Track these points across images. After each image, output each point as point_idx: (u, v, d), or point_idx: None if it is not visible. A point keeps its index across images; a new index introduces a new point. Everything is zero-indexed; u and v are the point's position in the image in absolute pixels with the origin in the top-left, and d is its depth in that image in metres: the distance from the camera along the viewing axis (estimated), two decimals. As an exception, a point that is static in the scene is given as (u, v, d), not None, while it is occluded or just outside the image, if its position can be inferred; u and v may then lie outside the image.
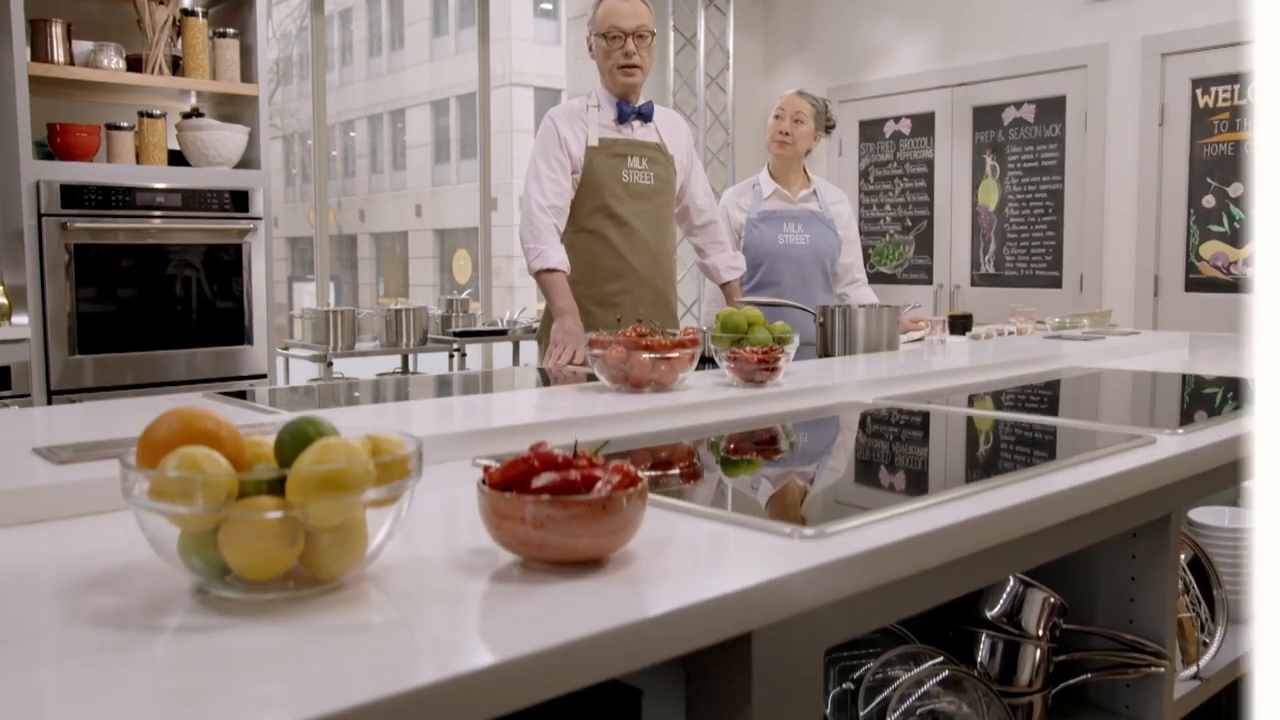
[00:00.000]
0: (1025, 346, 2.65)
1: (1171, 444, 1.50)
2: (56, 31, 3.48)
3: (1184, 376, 2.27)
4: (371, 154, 20.35)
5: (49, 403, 3.43)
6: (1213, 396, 2.02)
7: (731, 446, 1.52)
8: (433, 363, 5.06)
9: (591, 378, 2.11)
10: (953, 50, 5.23)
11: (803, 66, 5.94)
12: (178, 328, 3.67)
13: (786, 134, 3.22)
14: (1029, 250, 4.99)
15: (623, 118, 2.86)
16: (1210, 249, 4.38)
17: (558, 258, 2.71)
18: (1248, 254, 4.27)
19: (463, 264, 18.43)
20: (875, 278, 5.62)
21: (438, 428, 1.42)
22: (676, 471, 1.36)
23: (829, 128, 3.32)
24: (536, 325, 4.17)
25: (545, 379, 2.40)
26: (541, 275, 2.71)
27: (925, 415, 1.74)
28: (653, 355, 1.75)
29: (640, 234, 2.86)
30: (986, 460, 1.46)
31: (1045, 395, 2.02)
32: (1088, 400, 1.99)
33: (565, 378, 2.25)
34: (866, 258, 5.68)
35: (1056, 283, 4.90)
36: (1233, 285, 4.31)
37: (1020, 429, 1.62)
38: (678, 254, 3.17)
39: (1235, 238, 4.30)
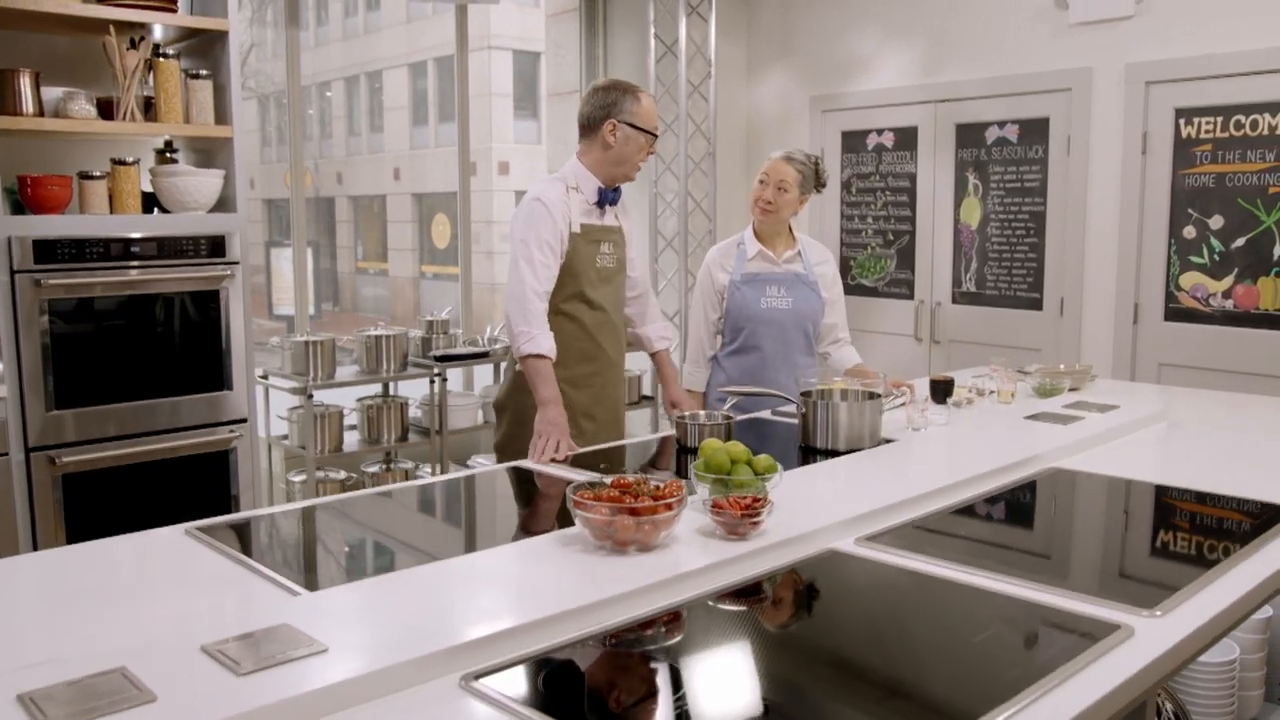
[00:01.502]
0: (1003, 440, 2.66)
1: (1151, 634, 1.52)
2: (24, 82, 3.40)
3: (1161, 499, 2.28)
4: (348, 116, 20.07)
5: (27, 459, 3.41)
6: (1195, 534, 2.04)
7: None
8: (413, 389, 5.05)
9: (578, 461, 2.39)
10: (937, 65, 5.18)
11: (785, 75, 5.88)
12: (157, 377, 3.64)
13: (770, 203, 3.19)
14: (1010, 271, 4.99)
15: (600, 203, 2.87)
16: (1190, 280, 4.40)
17: (548, 344, 2.72)
18: (1226, 286, 4.28)
19: (441, 229, 18.30)
20: (856, 290, 5.63)
21: (411, 645, 1.41)
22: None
23: (820, 186, 3.29)
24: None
25: (525, 481, 2.41)
26: (529, 360, 2.71)
27: (893, 581, 1.75)
28: (637, 519, 1.76)
29: (610, 316, 2.94)
30: (940, 668, 1.46)
31: (1019, 533, 2.04)
32: (1061, 539, 2.01)
33: (552, 464, 2.45)
34: (848, 269, 5.68)
35: (1037, 305, 4.91)
36: (1211, 317, 4.34)
37: (986, 610, 1.62)
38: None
39: (1215, 270, 4.32)
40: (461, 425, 5.02)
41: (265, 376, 4.69)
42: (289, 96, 5.14)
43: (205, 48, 3.83)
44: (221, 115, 3.78)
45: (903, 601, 1.69)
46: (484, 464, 5.28)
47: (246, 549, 1.91)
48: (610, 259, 2.93)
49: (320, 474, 4.69)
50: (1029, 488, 2.32)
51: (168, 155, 3.93)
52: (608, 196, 2.89)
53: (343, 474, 4.77)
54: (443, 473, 4.93)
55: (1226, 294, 4.29)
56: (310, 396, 4.47)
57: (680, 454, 2.64)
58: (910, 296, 5.41)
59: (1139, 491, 2.30)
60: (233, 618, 1.55)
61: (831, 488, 2.23)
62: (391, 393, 4.97)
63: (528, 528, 2.13)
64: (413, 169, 18.54)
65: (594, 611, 1.56)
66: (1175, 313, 4.45)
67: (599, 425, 2.91)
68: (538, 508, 2.29)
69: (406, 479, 4.88)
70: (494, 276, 14.21)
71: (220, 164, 3.83)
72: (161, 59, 3.64)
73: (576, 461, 2.53)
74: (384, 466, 4.88)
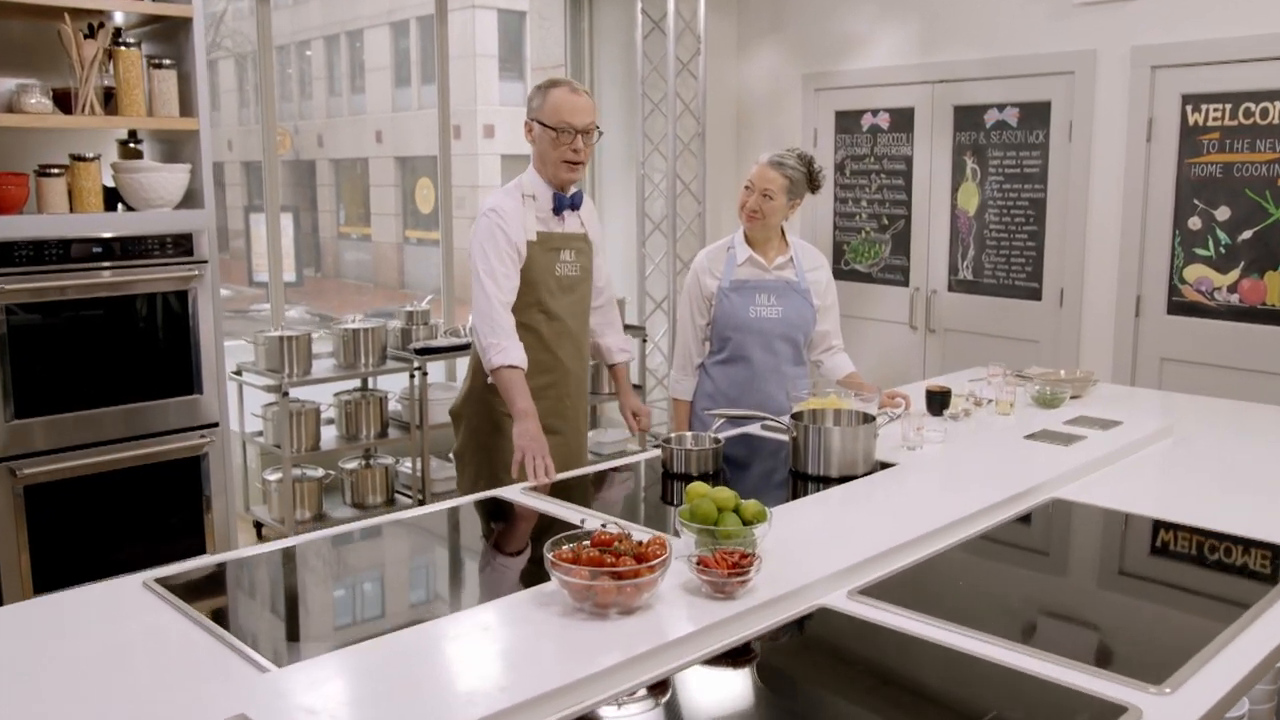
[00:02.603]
0: (1001, 466, 2.59)
1: (1159, 716, 1.45)
2: (-24, 76, 3.27)
3: (1166, 540, 2.21)
4: (329, 76, 19.76)
5: (-11, 470, 3.33)
6: (1205, 584, 1.98)
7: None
8: (393, 382, 4.96)
9: (558, 490, 2.35)
10: (935, 44, 5.06)
11: (777, 52, 5.74)
12: (123, 383, 3.55)
13: (755, 211, 3.09)
14: (1008, 259, 4.91)
15: (558, 209, 2.82)
16: (1194, 272, 4.32)
17: (518, 354, 2.70)
18: (1232, 280, 4.21)
19: (425, 193, 18.09)
20: (850, 275, 5.54)
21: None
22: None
23: (815, 188, 3.18)
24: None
25: (502, 515, 2.34)
26: (502, 371, 2.67)
27: (884, 646, 1.68)
28: (619, 582, 1.69)
29: (568, 326, 2.89)
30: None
31: (1017, 581, 1.97)
32: (1061, 592, 1.94)
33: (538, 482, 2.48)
34: (841, 254, 5.58)
35: (1036, 295, 4.83)
36: (1216, 311, 4.27)
37: (982, 685, 1.55)
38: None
39: (1221, 263, 4.24)
40: (443, 419, 4.92)
41: (239, 373, 4.60)
42: (259, 62, 4.98)
43: (169, 34, 3.69)
44: (187, 106, 3.66)
45: (894, 671, 1.62)
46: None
47: (209, 607, 1.84)
48: (572, 267, 2.88)
49: (297, 472, 4.61)
50: (1029, 524, 2.26)
51: (132, 147, 3.81)
52: (563, 202, 2.84)
53: (320, 471, 4.70)
54: (424, 466, 4.86)
55: (1232, 288, 4.22)
56: (285, 394, 4.38)
57: (666, 480, 2.56)
58: (905, 283, 5.32)
59: (1143, 530, 2.23)
60: (184, 710, 1.47)
61: (824, 529, 2.16)
62: (370, 387, 4.88)
63: (506, 579, 2.05)
64: (395, 131, 18.29)
65: (576, 691, 1.50)
66: (1179, 306, 4.38)
67: (559, 438, 2.86)
68: (515, 550, 2.22)
69: (386, 475, 4.81)
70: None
71: (187, 157, 3.72)
72: (122, 47, 3.51)
73: (555, 490, 2.45)
74: (363, 463, 4.80)
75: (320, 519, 4.63)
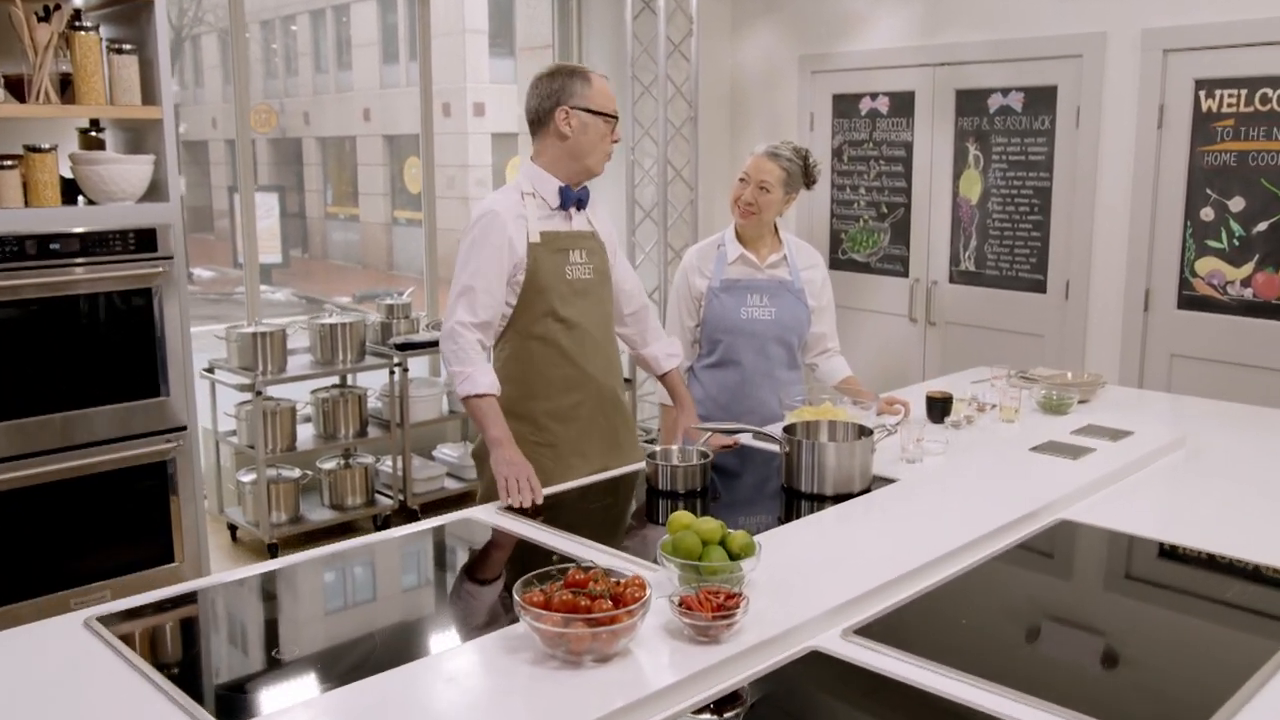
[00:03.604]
0: (1006, 483, 2.47)
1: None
2: (-78, 63, 3.13)
3: (1180, 567, 2.11)
4: (315, 52, 19.53)
5: (-57, 479, 3.21)
6: (1221, 623, 1.87)
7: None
8: (372, 379, 4.84)
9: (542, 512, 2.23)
10: (936, 25, 4.92)
11: (773, 32, 5.60)
12: (84, 386, 3.42)
13: (751, 204, 2.97)
14: (1012, 250, 4.79)
15: (564, 204, 2.61)
16: (1206, 265, 4.20)
17: (487, 381, 2.51)
18: (1246, 274, 4.10)
19: (414, 172, 17.90)
20: (847, 265, 5.42)
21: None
22: None
23: (810, 183, 3.06)
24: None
25: (470, 539, 2.23)
26: (470, 402, 2.50)
27: (880, 696, 1.57)
28: (594, 629, 1.58)
29: (591, 335, 2.66)
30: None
31: (1022, 619, 1.86)
32: (1069, 638, 1.83)
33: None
34: (838, 243, 5.46)
35: (1040, 287, 4.71)
36: (1229, 306, 4.15)
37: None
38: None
39: (1234, 256, 4.12)
40: (425, 416, 4.82)
41: (211, 370, 4.48)
42: (232, 42, 4.84)
43: (129, 17, 3.55)
44: (150, 94, 3.52)
45: (896, 726, 1.51)
46: (449, 455, 5.10)
47: (153, 651, 1.72)
48: (585, 269, 2.65)
49: (272, 473, 4.50)
50: (1036, 550, 2.15)
51: (94, 136, 3.67)
52: (571, 196, 2.62)
53: (297, 472, 4.58)
54: (405, 465, 4.75)
55: (1245, 282, 4.10)
56: (259, 393, 4.26)
57: (651, 497, 2.45)
58: (905, 274, 5.20)
59: (1155, 557, 2.13)
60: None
61: (817, 557, 2.05)
62: (349, 384, 4.76)
63: (475, 615, 1.93)
64: (383, 109, 18.09)
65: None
66: (1189, 300, 4.27)
67: (592, 462, 2.66)
68: (487, 579, 2.11)
69: (366, 475, 4.70)
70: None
71: (150, 148, 3.58)
72: (80, 31, 3.36)
73: (535, 510, 2.34)
74: (342, 463, 4.69)
75: (297, 521, 4.52)
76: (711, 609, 1.67)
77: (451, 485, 4.98)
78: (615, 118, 2.62)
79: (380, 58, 18.11)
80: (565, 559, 2.03)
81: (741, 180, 3.00)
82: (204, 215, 18.65)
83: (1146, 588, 2.04)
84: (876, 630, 1.77)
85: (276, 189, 18.65)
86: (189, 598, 1.94)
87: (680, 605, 1.70)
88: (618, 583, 1.69)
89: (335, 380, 4.71)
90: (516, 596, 1.64)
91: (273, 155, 19.20)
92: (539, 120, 2.61)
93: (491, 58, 17.01)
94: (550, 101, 2.57)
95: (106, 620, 1.80)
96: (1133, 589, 2.04)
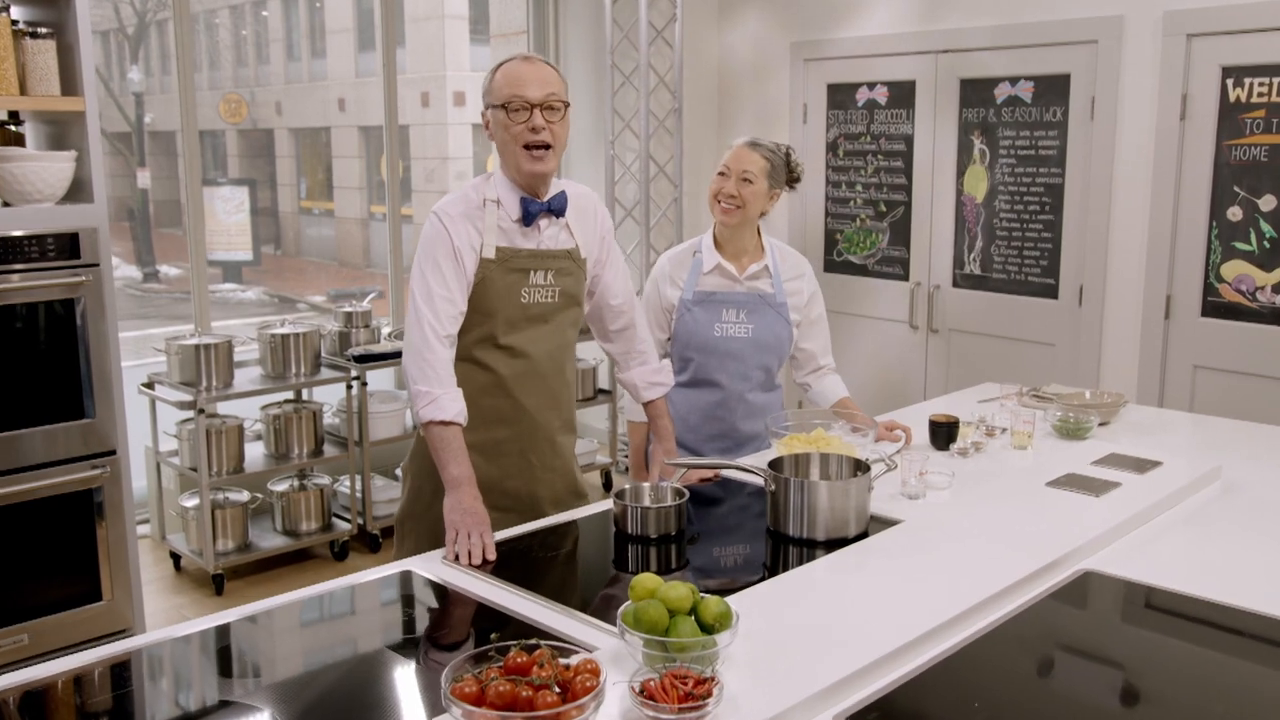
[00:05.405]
0: (1020, 526, 2.25)
1: None
2: None
3: (1227, 633, 1.89)
4: (287, 38, 19.25)
5: None
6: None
7: None
8: (329, 394, 4.61)
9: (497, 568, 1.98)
10: (938, 10, 4.70)
11: (763, 18, 5.38)
12: (1, 407, 3.19)
13: (732, 197, 2.74)
14: (1021, 252, 4.57)
15: (528, 218, 2.35)
16: (1233, 270, 4.00)
17: (455, 408, 2.25)
18: (1277, 279, 3.88)
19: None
20: (843, 267, 5.21)
21: None
22: None
23: (793, 181, 2.84)
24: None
25: (407, 598, 2.00)
26: (431, 428, 2.24)
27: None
28: (532, 730, 1.35)
29: (538, 367, 2.39)
30: None
31: (1039, 707, 1.64)
32: None
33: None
34: (833, 244, 5.24)
35: (1052, 293, 4.50)
36: (1258, 314, 3.94)
37: None
38: (616, 239, 2.65)
39: (1264, 259, 3.91)
40: (386, 434, 4.59)
41: (151, 385, 4.24)
42: (176, 32, 4.61)
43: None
44: (70, 84, 3.29)
45: None
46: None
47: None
48: (547, 292, 2.37)
49: (219, 496, 4.26)
50: (1057, 608, 1.93)
51: (12, 130, 3.43)
52: (535, 207, 2.34)
53: (245, 495, 4.35)
54: (365, 486, 4.53)
55: (1277, 288, 3.90)
56: (202, 411, 4.02)
57: (619, 542, 2.23)
58: (905, 277, 4.99)
59: (1199, 619, 1.91)
60: None
61: (805, 621, 1.82)
62: (303, 399, 4.52)
63: (401, 703, 1.70)
64: (358, 99, 17.81)
65: None
66: (1215, 308, 4.06)
67: (516, 512, 2.40)
68: (421, 654, 1.88)
69: (322, 497, 4.47)
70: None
71: (72, 143, 3.35)
72: (-12, 14, 3.13)
73: (484, 560, 2.11)
74: (296, 484, 4.45)
75: (246, 549, 4.28)
76: (678, 699, 1.45)
77: (416, 507, 4.74)
78: (515, 104, 2.25)
79: (356, 45, 17.84)
80: (513, 622, 1.80)
81: (721, 174, 2.77)
82: (172, 209, 18.35)
83: (1193, 653, 1.81)
84: (875, 717, 1.55)
85: (248, 182, 18.33)
86: (84, 675, 1.70)
87: (641, 694, 1.47)
88: (566, 668, 1.46)
89: (288, 395, 4.48)
90: (445, 687, 1.41)
91: (243, 147, 18.90)
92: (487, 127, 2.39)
93: (473, 45, 16.77)
94: (484, 104, 2.35)
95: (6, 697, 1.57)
96: (1177, 659, 1.81)
